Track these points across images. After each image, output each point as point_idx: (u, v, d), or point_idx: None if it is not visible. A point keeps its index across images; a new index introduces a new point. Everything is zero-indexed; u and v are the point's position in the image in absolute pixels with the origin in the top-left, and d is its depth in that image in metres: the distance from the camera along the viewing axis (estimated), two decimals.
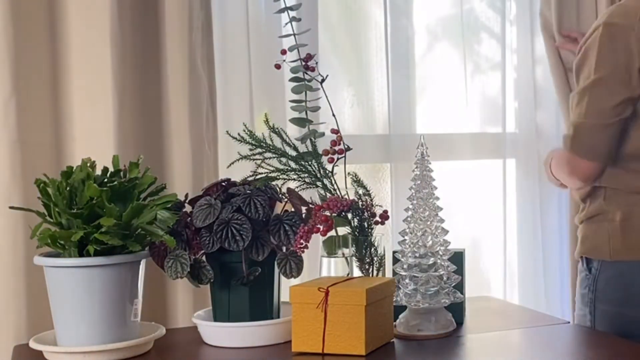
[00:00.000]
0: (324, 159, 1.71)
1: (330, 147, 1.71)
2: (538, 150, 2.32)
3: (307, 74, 1.72)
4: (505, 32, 2.34)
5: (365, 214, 1.67)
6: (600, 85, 1.73)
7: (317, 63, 1.72)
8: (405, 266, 1.65)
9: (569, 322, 1.82)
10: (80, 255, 1.51)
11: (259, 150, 1.70)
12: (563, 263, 2.37)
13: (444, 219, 1.67)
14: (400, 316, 1.67)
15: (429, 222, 1.65)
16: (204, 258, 1.62)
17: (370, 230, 1.67)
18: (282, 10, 1.74)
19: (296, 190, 1.69)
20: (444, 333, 1.65)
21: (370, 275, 1.68)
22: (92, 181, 1.50)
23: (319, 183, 1.71)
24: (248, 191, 1.63)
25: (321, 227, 1.59)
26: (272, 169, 1.70)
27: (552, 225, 2.38)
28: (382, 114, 2.23)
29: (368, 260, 1.67)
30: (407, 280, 1.64)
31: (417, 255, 1.64)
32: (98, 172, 1.59)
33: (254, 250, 1.59)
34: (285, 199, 1.67)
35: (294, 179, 1.72)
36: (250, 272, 1.59)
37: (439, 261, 1.64)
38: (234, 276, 1.60)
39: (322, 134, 1.73)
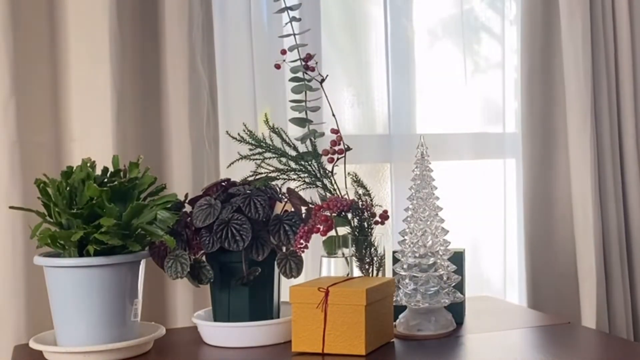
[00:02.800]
0: (324, 159, 1.71)
1: (330, 147, 1.71)
2: (547, 151, 2.30)
3: (307, 74, 1.72)
4: (505, 32, 2.34)
5: (365, 214, 1.67)
6: None
7: (317, 63, 1.72)
8: (405, 266, 1.65)
9: (569, 322, 1.82)
10: (80, 255, 1.51)
11: (258, 150, 1.70)
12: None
13: (444, 218, 1.67)
14: (400, 316, 1.67)
15: (428, 222, 1.65)
16: (204, 258, 1.62)
17: (370, 230, 1.67)
18: (282, 10, 1.74)
19: (296, 190, 1.69)
20: (444, 333, 1.65)
21: (370, 275, 1.68)
22: (92, 181, 1.50)
23: (319, 183, 1.71)
24: (248, 191, 1.63)
25: (321, 227, 1.59)
26: (272, 169, 1.70)
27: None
28: (382, 114, 2.23)
29: (368, 260, 1.67)
30: (407, 280, 1.64)
31: (417, 255, 1.64)
32: (98, 172, 1.59)
33: (254, 250, 1.59)
34: (285, 199, 1.67)
35: (294, 179, 1.72)
36: (250, 272, 1.59)
37: (439, 261, 1.64)
38: (234, 276, 1.60)
39: (322, 134, 1.73)
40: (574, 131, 2.17)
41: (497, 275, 2.36)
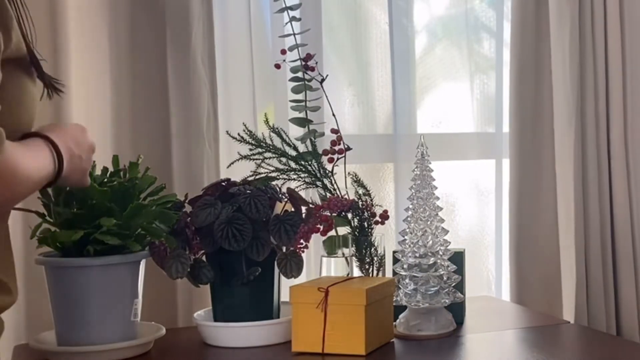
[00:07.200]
0: (324, 159, 1.71)
1: (330, 147, 1.71)
2: (535, 150, 2.29)
3: (307, 73, 1.72)
4: (504, 32, 2.34)
5: (365, 213, 1.67)
6: None
7: (317, 63, 1.72)
8: (405, 266, 1.65)
9: (569, 322, 1.82)
10: (80, 255, 1.51)
11: (259, 150, 1.70)
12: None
13: (444, 218, 1.67)
14: (400, 316, 1.67)
15: (429, 222, 1.65)
16: (204, 258, 1.62)
17: (370, 230, 1.67)
18: (282, 10, 1.74)
19: (296, 190, 1.69)
20: (444, 333, 1.65)
21: (370, 275, 1.68)
22: (92, 181, 1.50)
23: (319, 183, 1.71)
24: (248, 191, 1.63)
25: (321, 227, 1.59)
26: (272, 169, 1.70)
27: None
28: (383, 113, 2.23)
29: (368, 260, 1.67)
30: (407, 280, 1.64)
31: (417, 255, 1.64)
32: (98, 172, 1.59)
33: (254, 250, 1.59)
34: (285, 199, 1.67)
35: (294, 179, 1.72)
36: (250, 272, 1.59)
37: (439, 261, 1.64)
38: (234, 276, 1.60)
39: (322, 134, 1.73)
40: (560, 132, 2.18)
41: (497, 275, 2.36)
